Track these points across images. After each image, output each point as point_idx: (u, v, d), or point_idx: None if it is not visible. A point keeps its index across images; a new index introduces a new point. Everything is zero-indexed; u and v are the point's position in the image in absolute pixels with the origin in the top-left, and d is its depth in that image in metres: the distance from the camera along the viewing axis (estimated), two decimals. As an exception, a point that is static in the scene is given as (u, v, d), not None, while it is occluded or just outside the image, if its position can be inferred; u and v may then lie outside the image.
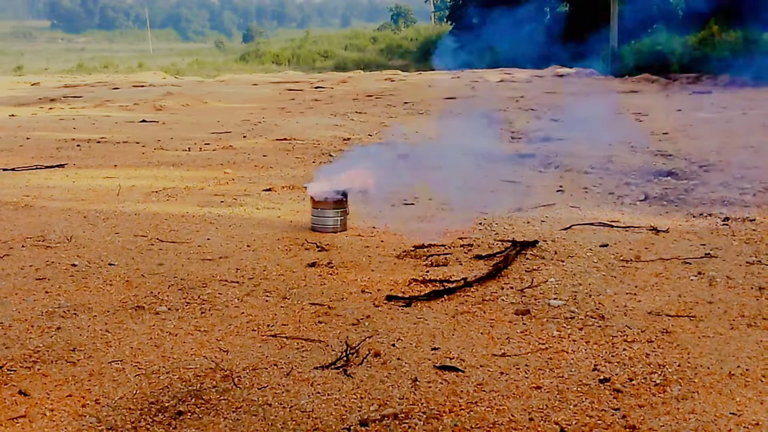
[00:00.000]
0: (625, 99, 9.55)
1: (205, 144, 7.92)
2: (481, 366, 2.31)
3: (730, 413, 2.00)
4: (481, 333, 2.58)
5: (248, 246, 3.74)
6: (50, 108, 12.94)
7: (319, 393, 2.14)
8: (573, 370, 2.28)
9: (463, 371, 2.27)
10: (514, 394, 2.13)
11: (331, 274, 3.27)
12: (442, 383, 2.20)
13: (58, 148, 7.56)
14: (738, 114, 8.87)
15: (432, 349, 2.44)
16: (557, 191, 5.13)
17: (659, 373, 2.24)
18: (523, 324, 2.66)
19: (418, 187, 4.82)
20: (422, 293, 2.98)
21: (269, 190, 5.24)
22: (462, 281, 3.09)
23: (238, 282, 3.15)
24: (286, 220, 4.31)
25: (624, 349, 2.42)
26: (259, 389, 2.17)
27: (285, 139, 8.26)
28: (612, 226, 4.02)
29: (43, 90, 18.21)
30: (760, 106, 9.21)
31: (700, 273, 3.18)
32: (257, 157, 6.92)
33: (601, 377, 2.22)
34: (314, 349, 2.45)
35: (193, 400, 2.10)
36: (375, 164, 4.30)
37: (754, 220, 4.12)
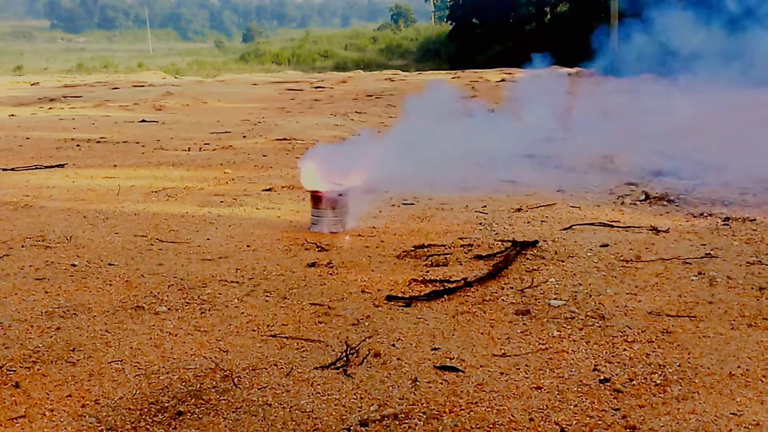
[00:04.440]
0: (626, 99, 9.56)
1: (205, 144, 7.92)
2: (481, 366, 2.31)
3: (731, 413, 2.00)
4: (481, 333, 2.58)
5: (248, 246, 3.73)
6: (50, 108, 12.94)
7: (319, 393, 2.14)
8: (573, 370, 2.28)
9: (463, 371, 2.27)
10: (514, 394, 2.13)
11: (331, 274, 3.27)
12: (442, 383, 2.20)
13: (57, 148, 7.56)
14: (738, 114, 8.85)
15: (432, 349, 2.43)
16: (557, 191, 5.13)
17: (659, 373, 2.24)
18: (523, 324, 2.66)
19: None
20: (422, 293, 2.97)
21: (269, 190, 5.24)
22: (462, 281, 3.08)
23: (238, 282, 3.15)
24: (286, 220, 4.31)
25: (624, 350, 2.42)
26: (259, 389, 2.17)
27: (285, 139, 8.27)
28: (612, 226, 4.01)
29: (43, 90, 18.21)
30: (761, 106, 9.20)
31: (700, 273, 3.17)
32: (257, 157, 6.92)
33: (602, 377, 2.22)
34: (314, 349, 2.45)
35: (193, 400, 2.10)
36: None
37: (755, 220, 4.12)
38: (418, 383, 2.19)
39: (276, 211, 4.56)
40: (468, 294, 2.97)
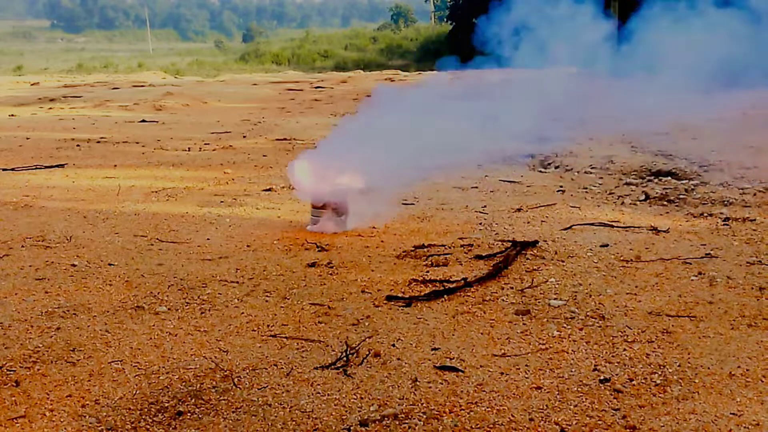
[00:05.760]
0: (626, 99, 9.56)
1: (205, 144, 7.92)
2: (481, 366, 2.31)
3: (731, 413, 2.00)
4: (481, 333, 2.58)
5: (248, 246, 3.73)
6: (50, 108, 12.94)
7: (319, 393, 2.14)
8: (573, 370, 2.28)
9: (463, 371, 2.27)
10: (514, 394, 2.13)
11: (331, 274, 3.27)
12: (442, 383, 2.20)
13: (57, 148, 7.56)
14: (738, 114, 8.85)
15: (432, 349, 2.43)
16: (557, 191, 5.13)
17: (659, 373, 2.24)
18: (523, 324, 2.66)
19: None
20: (422, 293, 2.97)
21: (269, 190, 5.24)
22: (462, 281, 3.08)
23: (238, 282, 3.15)
24: (286, 220, 4.31)
25: (624, 349, 2.42)
26: (259, 389, 2.17)
27: (285, 139, 8.27)
28: (612, 226, 4.01)
29: (43, 90, 18.21)
30: (761, 106, 9.20)
31: (700, 273, 3.17)
32: (257, 157, 6.92)
33: (602, 377, 2.22)
34: (314, 349, 2.45)
35: (193, 400, 2.10)
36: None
37: (755, 220, 4.12)
38: (418, 383, 2.19)
39: (276, 211, 4.56)
40: (468, 294, 2.97)
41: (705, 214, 4.32)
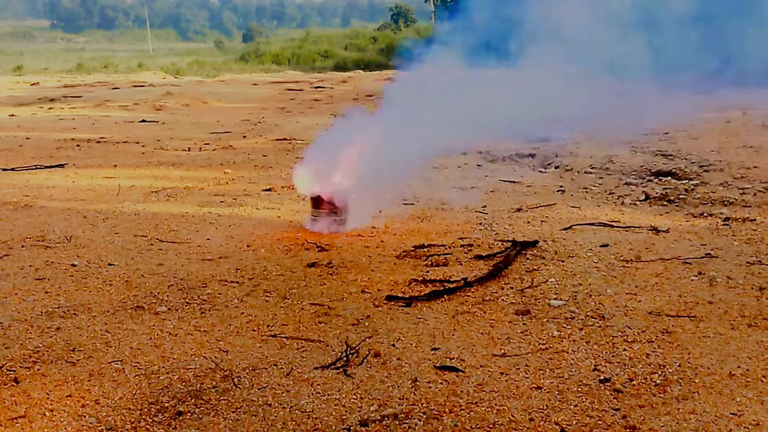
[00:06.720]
0: (625, 99, 9.57)
1: (205, 144, 7.92)
2: (481, 366, 2.31)
3: (731, 413, 2.00)
4: (481, 333, 2.58)
5: (248, 246, 3.73)
6: (50, 108, 12.94)
7: (319, 393, 2.14)
8: (573, 370, 2.28)
9: (463, 371, 2.27)
10: (514, 394, 2.13)
11: (331, 274, 3.27)
12: (442, 383, 2.20)
13: (57, 148, 7.57)
14: (738, 114, 8.85)
15: (432, 349, 2.44)
16: (557, 191, 5.13)
17: (659, 373, 2.24)
18: (523, 324, 2.66)
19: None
20: (422, 293, 2.97)
21: (269, 190, 5.24)
22: (462, 281, 3.08)
23: (238, 282, 3.15)
24: (286, 220, 4.31)
25: (624, 349, 2.42)
26: (259, 389, 2.17)
27: (285, 139, 8.27)
28: (612, 226, 4.01)
29: (43, 90, 18.22)
30: (760, 106, 9.20)
31: (700, 273, 3.17)
32: (257, 157, 6.92)
33: (602, 377, 2.22)
34: (314, 349, 2.45)
35: (193, 400, 2.10)
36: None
37: (755, 220, 4.12)
38: (418, 383, 2.20)
39: (276, 211, 4.56)
40: (468, 294, 2.97)
41: (705, 214, 4.32)
